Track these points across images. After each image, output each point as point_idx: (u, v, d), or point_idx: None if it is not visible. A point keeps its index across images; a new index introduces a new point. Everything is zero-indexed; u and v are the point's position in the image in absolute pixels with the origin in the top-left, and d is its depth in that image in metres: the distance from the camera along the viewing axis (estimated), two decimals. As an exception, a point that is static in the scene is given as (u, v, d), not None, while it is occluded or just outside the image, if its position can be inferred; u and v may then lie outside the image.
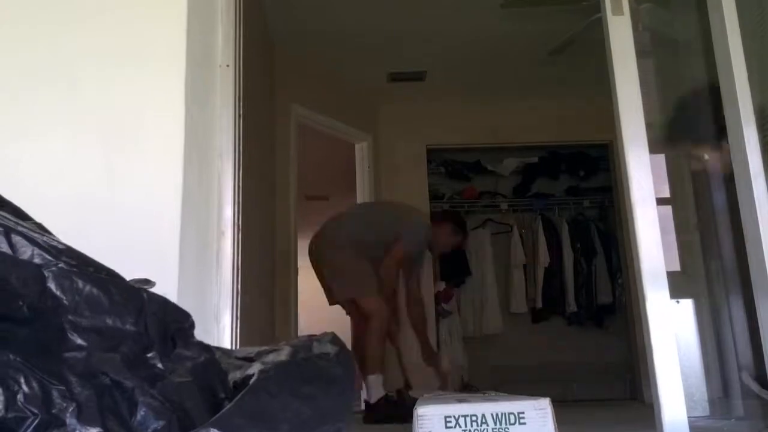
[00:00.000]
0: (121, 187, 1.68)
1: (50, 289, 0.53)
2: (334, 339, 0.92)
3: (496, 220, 5.65)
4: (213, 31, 1.97)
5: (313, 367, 0.80)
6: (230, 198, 1.90)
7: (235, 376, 0.72)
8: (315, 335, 0.96)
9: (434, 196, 5.43)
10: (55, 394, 0.58)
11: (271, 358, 0.78)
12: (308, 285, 6.45)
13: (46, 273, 0.53)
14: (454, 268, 5.40)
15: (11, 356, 0.52)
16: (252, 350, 0.80)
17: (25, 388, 0.57)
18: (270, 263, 3.88)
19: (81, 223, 1.60)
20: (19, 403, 0.55)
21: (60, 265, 0.54)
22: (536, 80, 4.92)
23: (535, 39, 4.21)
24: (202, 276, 1.79)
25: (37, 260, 0.53)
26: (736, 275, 2.90)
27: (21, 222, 0.61)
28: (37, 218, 1.05)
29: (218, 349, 0.72)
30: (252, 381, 0.69)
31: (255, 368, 0.73)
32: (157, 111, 1.73)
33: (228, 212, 1.89)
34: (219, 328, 1.79)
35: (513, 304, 5.41)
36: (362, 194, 4.95)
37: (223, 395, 0.69)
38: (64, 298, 0.52)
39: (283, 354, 0.79)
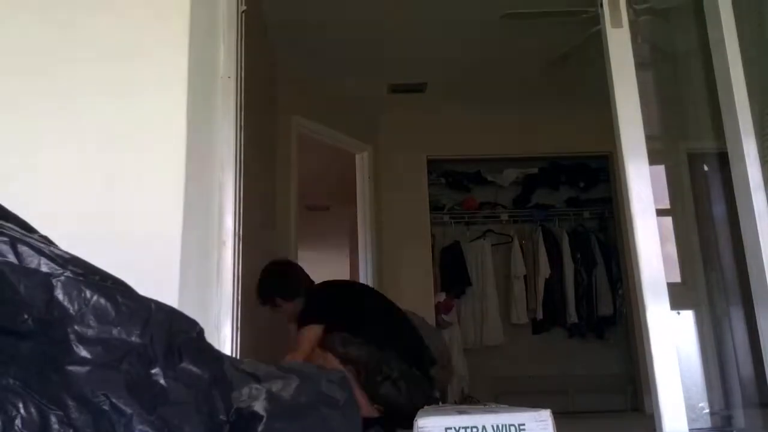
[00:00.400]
0: (121, 196, 1.68)
1: (57, 299, 0.53)
2: (343, 382, 0.90)
3: (496, 230, 5.66)
4: (215, 44, 1.98)
5: (319, 420, 0.79)
6: (231, 208, 1.90)
7: (240, 396, 0.71)
8: (325, 368, 0.94)
9: (434, 207, 5.45)
10: (52, 419, 0.57)
11: (278, 387, 0.76)
12: (308, 295, 6.38)
13: (54, 282, 0.53)
14: (455, 279, 5.40)
15: (11, 380, 0.52)
16: (259, 368, 0.79)
17: (23, 412, 0.56)
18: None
19: (80, 232, 1.60)
20: (17, 428, 0.55)
21: (67, 274, 0.54)
22: (536, 91, 4.94)
23: (534, 51, 4.24)
24: (202, 286, 1.79)
25: (44, 269, 0.53)
26: (736, 286, 2.90)
27: (27, 234, 0.61)
28: (37, 227, 1.05)
29: (227, 357, 0.71)
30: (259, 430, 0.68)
31: (261, 405, 0.72)
32: (159, 121, 1.74)
33: (229, 222, 1.89)
34: (219, 338, 1.79)
35: (513, 315, 5.40)
36: (363, 205, 4.96)
37: (224, 418, 0.68)
38: (71, 308, 0.52)
39: (291, 386, 0.78)
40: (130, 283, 0.94)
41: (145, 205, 1.67)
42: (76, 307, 0.52)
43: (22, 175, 1.67)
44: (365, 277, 4.92)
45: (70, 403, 0.52)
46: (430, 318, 5.00)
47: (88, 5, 1.80)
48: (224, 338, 1.79)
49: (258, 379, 0.80)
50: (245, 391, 0.74)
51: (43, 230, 1.07)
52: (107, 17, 1.80)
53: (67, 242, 1.04)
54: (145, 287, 0.95)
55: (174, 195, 1.67)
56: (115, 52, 1.77)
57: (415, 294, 5.03)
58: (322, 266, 9.65)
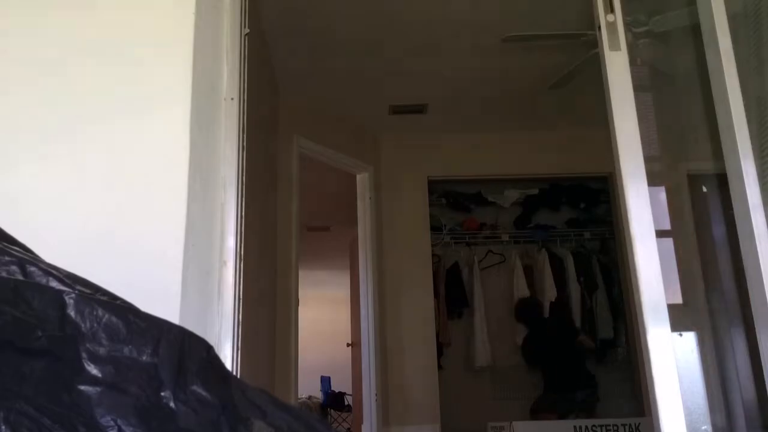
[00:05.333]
0: (123, 216, 1.69)
1: (70, 316, 0.53)
2: None
3: (496, 251, 5.65)
4: (218, 66, 2.01)
5: None
6: (233, 228, 1.91)
7: None
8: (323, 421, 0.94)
9: (435, 227, 5.45)
10: (63, 445, 0.57)
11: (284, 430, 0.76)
12: (308, 315, 6.41)
13: (66, 299, 0.53)
14: (454, 300, 5.38)
15: (24, 405, 0.52)
16: (264, 401, 0.78)
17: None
18: (271, 293, 3.87)
19: (81, 251, 1.61)
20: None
21: (78, 292, 0.54)
22: (536, 113, 4.98)
23: (535, 72, 4.28)
24: (203, 306, 1.79)
25: (54, 286, 0.53)
26: (738, 307, 2.89)
27: (33, 257, 0.61)
28: (38, 248, 1.05)
29: (234, 380, 0.71)
30: None
31: None
32: (162, 141, 1.75)
33: (230, 242, 1.90)
34: (220, 358, 1.78)
35: (518, 337, 5.37)
36: (363, 225, 4.97)
37: None
38: (83, 325, 0.52)
39: None
40: (132, 303, 0.94)
41: (147, 224, 1.68)
42: (88, 324, 0.53)
43: (23, 195, 1.68)
44: (365, 296, 4.91)
45: (81, 429, 0.52)
46: (431, 339, 4.98)
47: (91, 27, 1.83)
48: (224, 358, 1.79)
49: (264, 415, 0.79)
50: (253, 426, 0.73)
51: (42, 249, 1.07)
52: (110, 39, 1.82)
53: (68, 262, 1.04)
54: (146, 307, 0.95)
55: (176, 215, 1.68)
56: (118, 74, 1.79)
57: (416, 314, 5.01)
58: (322, 286, 9.65)
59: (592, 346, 5.18)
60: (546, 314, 5.19)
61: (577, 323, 5.25)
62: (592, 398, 5.19)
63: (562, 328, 5.18)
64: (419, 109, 4.89)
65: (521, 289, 5.39)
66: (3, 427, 0.48)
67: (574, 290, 5.34)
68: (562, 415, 5.05)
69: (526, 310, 5.25)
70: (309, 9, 3.51)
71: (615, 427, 4.49)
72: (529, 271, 5.48)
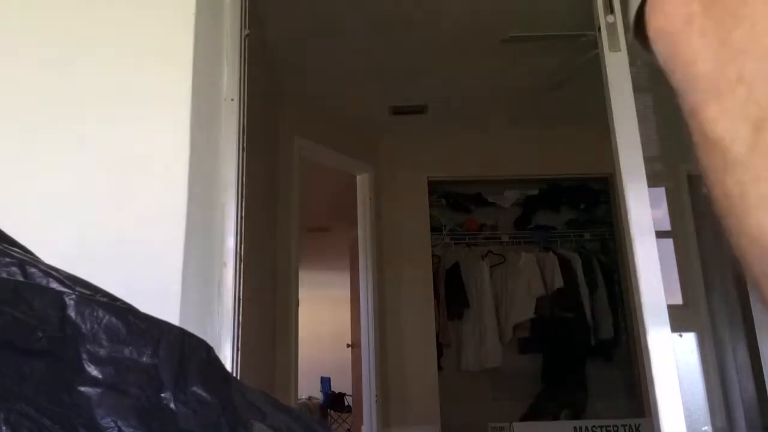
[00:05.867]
0: (123, 217, 1.69)
1: (70, 317, 0.53)
2: None
3: (496, 252, 5.65)
4: (218, 66, 2.01)
5: None
6: (233, 229, 1.92)
7: None
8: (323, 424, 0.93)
9: (435, 228, 5.45)
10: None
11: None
12: (308, 315, 6.42)
13: (66, 300, 0.53)
14: (454, 301, 5.38)
15: (25, 406, 0.52)
16: (263, 401, 0.78)
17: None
18: (271, 294, 3.88)
19: (80, 252, 1.61)
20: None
21: (78, 293, 0.54)
22: (536, 113, 4.98)
23: (535, 73, 4.28)
24: (203, 306, 1.79)
25: (55, 287, 0.53)
26: (738, 308, 2.90)
27: (33, 258, 0.62)
28: (38, 249, 1.06)
29: (234, 381, 0.71)
30: None
31: None
32: (162, 142, 1.76)
33: (231, 243, 1.90)
34: (220, 358, 1.79)
35: (509, 336, 5.37)
36: (363, 226, 4.97)
37: None
38: (83, 326, 0.52)
39: None
40: (131, 304, 0.95)
41: (147, 225, 1.68)
42: (88, 326, 0.53)
43: (21, 197, 1.68)
44: (365, 297, 4.92)
45: (81, 430, 0.52)
46: (431, 340, 4.98)
47: (90, 28, 1.83)
48: (224, 358, 1.79)
49: (264, 416, 0.79)
50: (252, 428, 0.73)
51: (42, 250, 1.07)
52: (110, 39, 1.83)
53: (68, 262, 1.05)
54: (146, 308, 0.96)
55: (176, 215, 1.68)
56: (118, 73, 1.80)
57: (416, 315, 5.02)
58: (322, 287, 9.65)
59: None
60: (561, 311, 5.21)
61: (589, 323, 5.23)
62: (585, 399, 5.19)
63: (574, 326, 5.19)
64: (419, 109, 4.89)
65: (537, 288, 5.29)
66: (3, 428, 0.48)
67: (583, 290, 5.31)
68: (555, 416, 5.05)
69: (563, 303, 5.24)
70: (309, 9, 3.51)
71: (615, 428, 4.49)
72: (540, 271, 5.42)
